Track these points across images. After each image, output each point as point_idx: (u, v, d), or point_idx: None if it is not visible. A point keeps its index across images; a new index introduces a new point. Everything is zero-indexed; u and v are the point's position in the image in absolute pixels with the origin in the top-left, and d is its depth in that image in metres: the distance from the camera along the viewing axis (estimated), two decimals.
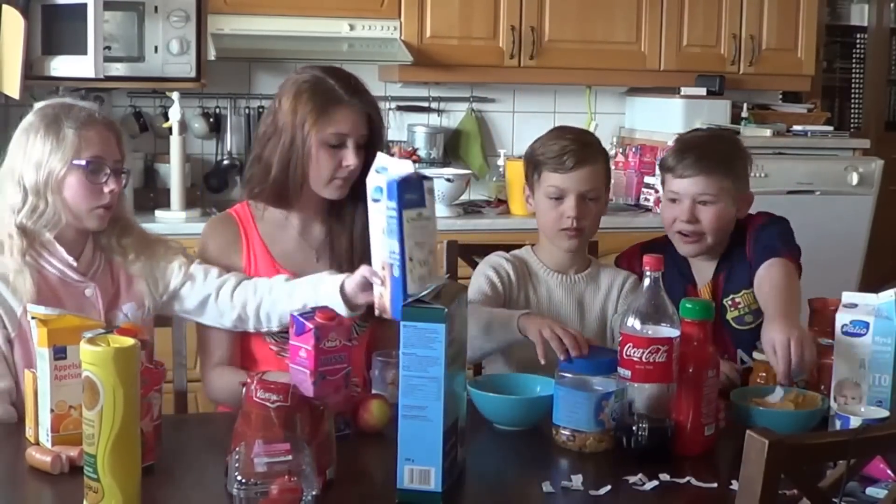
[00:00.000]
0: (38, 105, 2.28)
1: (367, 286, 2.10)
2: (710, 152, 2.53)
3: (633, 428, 1.91)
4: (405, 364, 1.71)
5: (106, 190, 2.20)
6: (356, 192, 2.41)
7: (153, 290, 2.31)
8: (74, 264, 2.22)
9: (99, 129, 2.22)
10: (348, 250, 2.42)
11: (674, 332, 1.91)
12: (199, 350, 2.42)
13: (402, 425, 1.72)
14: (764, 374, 2.19)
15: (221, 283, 2.32)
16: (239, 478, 1.56)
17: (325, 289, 2.21)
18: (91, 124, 2.21)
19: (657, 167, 2.62)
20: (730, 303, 2.53)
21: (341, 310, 2.12)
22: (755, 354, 2.23)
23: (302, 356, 1.95)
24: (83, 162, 2.18)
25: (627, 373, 1.90)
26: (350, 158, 2.32)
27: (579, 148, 2.43)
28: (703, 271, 2.58)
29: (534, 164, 2.48)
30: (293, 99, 2.34)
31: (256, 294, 2.30)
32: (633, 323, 1.91)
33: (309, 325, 1.95)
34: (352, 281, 2.16)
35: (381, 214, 1.90)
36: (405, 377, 1.71)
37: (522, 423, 2.09)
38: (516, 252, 2.57)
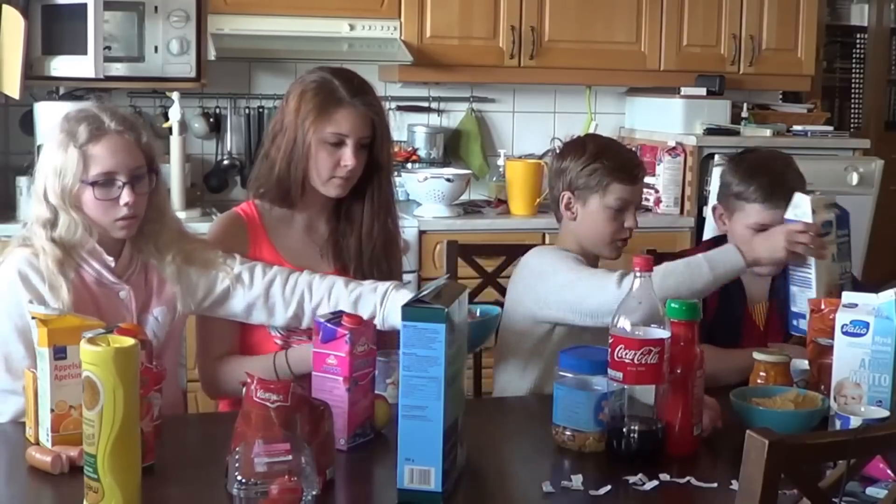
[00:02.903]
0: (65, 113, 2.24)
1: None
2: (793, 178, 2.57)
3: (624, 430, 1.91)
4: (405, 364, 1.71)
5: (121, 203, 2.16)
6: (362, 191, 2.43)
7: (190, 294, 2.28)
8: (112, 265, 2.21)
9: (107, 140, 2.16)
10: (357, 249, 2.44)
11: (664, 334, 1.90)
12: (200, 343, 2.41)
13: (402, 425, 1.72)
14: (764, 374, 2.19)
15: (269, 282, 2.29)
16: (239, 478, 1.56)
17: (392, 306, 2.20)
18: (97, 138, 2.15)
19: (732, 196, 2.61)
20: None
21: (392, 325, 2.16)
22: (755, 354, 2.23)
23: (331, 363, 1.95)
24: (90, 180, 2.15)
25: (619, 374, 1.89)
26: (348, 159, 2.34)
27: (640, 160, 2.51)
28: (755, 286, 2.65)
29: (598, 177, 2.48)
30: (298, 98, 2.37)
31: (313, 294, 2.28)
32: (624, 324, 1.90)
33: (341, 330, 1.95)
34: None
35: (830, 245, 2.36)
36: (405, 377, 1.71)
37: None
38: None
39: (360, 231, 2.44)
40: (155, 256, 2.27)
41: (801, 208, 2.35)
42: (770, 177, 2.56)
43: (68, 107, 3.80)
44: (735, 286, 2.60)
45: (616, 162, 2.47)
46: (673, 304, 1.95)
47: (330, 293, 2.27)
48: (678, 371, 1.94)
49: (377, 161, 2.41)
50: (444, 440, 1.70)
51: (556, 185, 2.57)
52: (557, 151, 2.67)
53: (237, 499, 1.56)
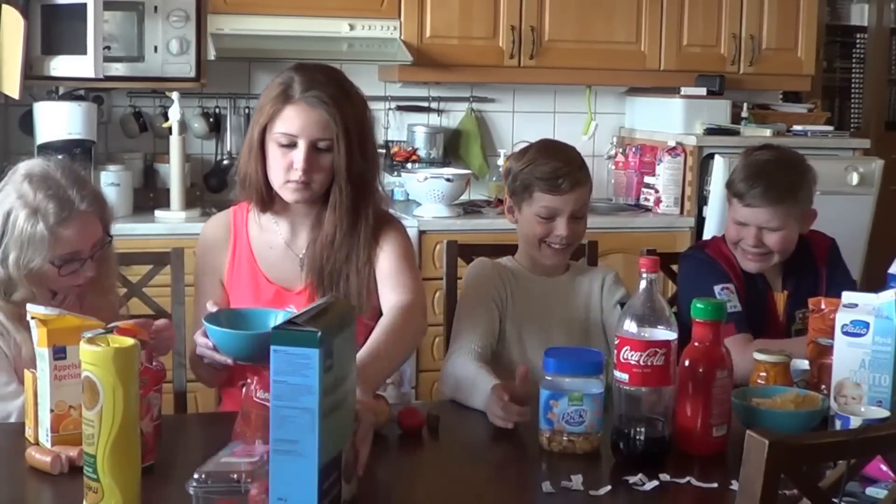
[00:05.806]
0: (23, 168, 2.17)
1: None
2: (778, 183, 2.58)
3: (629, 432, 1.90)
4: (275, 393, 1.52)
5: (82, 277, 2.17)
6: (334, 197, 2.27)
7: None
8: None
9: (78, 221, 2.14)
10: (319, 260, 2.28)
11: (671, 335, 1.90)
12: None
13: (274, 461, 1.53)
14: (764, 374, 2.19)
15: None
16: (197, 475, 1.55)
17: None
18: (67, 221, 2.12)
19: (725, 186, 2.68)
20: (800, 315, 2.60)
21: None
22: (755, 354, 2.23)
23: None
24: (57, 261, 2.13)
25: (625, 376, 1.89)
26: (298, 161, 2.19)
27: (574, 170, 2.44)
28: (773, 277, 2.69)
29: (524, 183, 2.46)
30: (263, 95, 2.28)
31: None
32: (630, 326, 1.90)
33: None
34: None
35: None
36: (275, 407, 1.52)
37: (259, 357, 2.02)
38: (498, 260, 2.57)
39: (333, 241, 2.27)
40: (96, 295, 2.26)
41: None
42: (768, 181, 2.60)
43: (68, 106, 3.84)
44: (760, 276, 2.65)
45: (543, 170, 2.42)
46: (698, 304, 1.95)
47: None
48: (700, 371, 1.94)
49: (337, 165, 2.22)
50: (322, 478, 1.52)
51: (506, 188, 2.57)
52: None
53: (195, 498, 1.55)
